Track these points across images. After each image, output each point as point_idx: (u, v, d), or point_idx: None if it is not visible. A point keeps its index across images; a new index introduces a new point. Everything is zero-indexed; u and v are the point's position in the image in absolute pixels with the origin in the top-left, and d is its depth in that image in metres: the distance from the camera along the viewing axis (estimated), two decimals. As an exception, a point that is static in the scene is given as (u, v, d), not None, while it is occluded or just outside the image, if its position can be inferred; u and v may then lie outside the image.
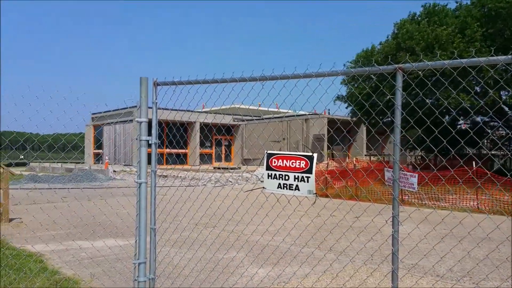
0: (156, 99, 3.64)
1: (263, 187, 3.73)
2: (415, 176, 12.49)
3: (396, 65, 2.58)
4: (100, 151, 37.31)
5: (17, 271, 5.33)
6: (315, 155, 3.59)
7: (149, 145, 3.57)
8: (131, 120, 32.87)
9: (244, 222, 6.41)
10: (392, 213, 2.70)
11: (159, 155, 30.16)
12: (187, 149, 35.39)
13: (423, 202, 13.09)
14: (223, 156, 38.27)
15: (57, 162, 32.51)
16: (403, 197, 13.73)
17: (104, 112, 34.79)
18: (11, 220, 9.57)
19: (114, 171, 27.08)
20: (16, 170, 26.96)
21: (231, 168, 28.84)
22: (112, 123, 35.19)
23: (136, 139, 3.55)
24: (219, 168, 29.25)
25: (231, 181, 22.20)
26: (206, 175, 23.54)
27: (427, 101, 16.77)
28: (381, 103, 13.05)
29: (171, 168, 26.38)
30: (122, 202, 8.67)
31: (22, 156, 36.12)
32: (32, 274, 5.19)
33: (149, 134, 3.56)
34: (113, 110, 33.76)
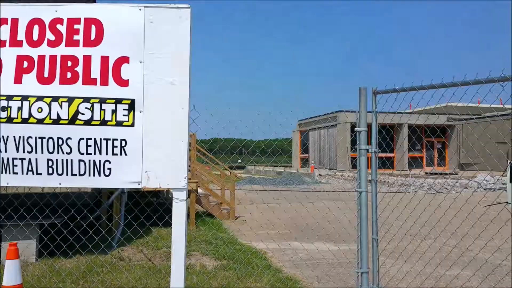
0: (376, 107, 3.72)
1: (507, 202, 3.39)
2: None
3: None
4: (306, 155, 39.52)
5: (245, 265, 6.12)
6: None
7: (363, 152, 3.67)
8: (335, 125, 33.87)
9: (471, 237, 5.85)
10: None
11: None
12: (393, 153, 34.18)
13: None
14: (435, 160, 35.48)
15: (269, 166, 35.84)
16: None
17: (309, 118, 36.78)
18: (236, 218, 11.06)
19: (320, 174, 28.26)
20: (236, 173, 31.03)
21: (446, 174, 26.45)
22: (316, 128, 36.90)
23: (355, 148, 3.70)
24: (431, 173, 27.26)
25: (446, 188, 20.42)
26: (417, 181, 22.26)
27: None
28: None
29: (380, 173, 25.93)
30: (329, 206, 9.02)
31: (240, 160, 41.03)
32: (259, 270, 5.86)
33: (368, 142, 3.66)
34: (318, 116, 35.37)
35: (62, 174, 3.15)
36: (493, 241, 6.42)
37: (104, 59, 3.13)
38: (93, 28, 3.14)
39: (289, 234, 8.94)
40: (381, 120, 5.11)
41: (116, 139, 3.16)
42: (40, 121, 3.11)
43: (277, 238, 8.30)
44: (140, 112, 3.17)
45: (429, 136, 33.52)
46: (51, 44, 3.15)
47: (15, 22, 3.19)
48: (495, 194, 14.14)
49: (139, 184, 3.23)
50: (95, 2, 7.23)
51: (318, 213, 9.71)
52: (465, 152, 32.15)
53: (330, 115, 34.00)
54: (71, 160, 3.14)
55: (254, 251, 7.13)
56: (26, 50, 3.16)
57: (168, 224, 3.79)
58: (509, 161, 3.41)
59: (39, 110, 3.11)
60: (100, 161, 3.16)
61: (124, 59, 3.15)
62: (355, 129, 3.70)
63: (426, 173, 27.56)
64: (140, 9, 3.17)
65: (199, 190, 10.43)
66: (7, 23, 3.19)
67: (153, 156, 3.21)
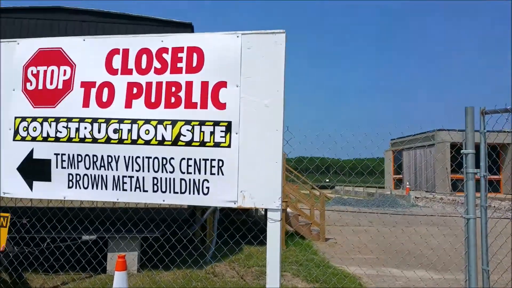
0: (484, 129, 3.44)
1: None
2: None
3: None
4: (400, 176, 37.61)
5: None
6: None
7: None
8: (433, 144, 31.84)
9: None
10: None
11: (462, 181, 27.76)
12: (500, 175, 31.11)
13: None
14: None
15: (359, 186, 34.72)
16: None
17: (403, 137, 35.06)
18: (326, 239, 10.81)
19: (416, 197, 26.65)
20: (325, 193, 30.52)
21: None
22: (412, 148, 35.03)
23: (461, 171, 3.43)
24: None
25: None
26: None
27: None
28: None
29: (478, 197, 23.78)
30: (431, 231, 8.41)
31: (327, 179, 40.31)
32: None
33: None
34: (413, 135, 33.58)
35: (165, 191, 3.37)
36: None
37: (204, 84, 3.32)
38: (195, 55, 3.36)
39: (386, 259, 8.49)
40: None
41: (214, 159, 3.30)
42: (147, 142, 3.37)
43: (373, 263, 7.95)
44: (236, 133, 3.29)
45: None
46: (158, 71, 3.43)
47: (126, 52, 3.53)
48: None
49: (234, 203, 3.32)
50: (193, 30, 7.74)
51: (419, 238, 9.13)
52: None
53: (427, 133, 32.10)
54: (174, 179, 3.34)
55: (348, 275, 6.90)
56: (135, 77, 3.47)
57: (258, 242, 3.83)
58: None
59: (146, 132, 3.38)
60: (199, 180, 3.32)
61: (222, 84, 3.31)
62: (462, 151, 3.44)
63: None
64: (237, 36, 3.32)
65: (288, 210, 10.43)
66: (119, 53, 3.54)
67: (249, 176, 3.29)
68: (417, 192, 29.49)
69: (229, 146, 3.30)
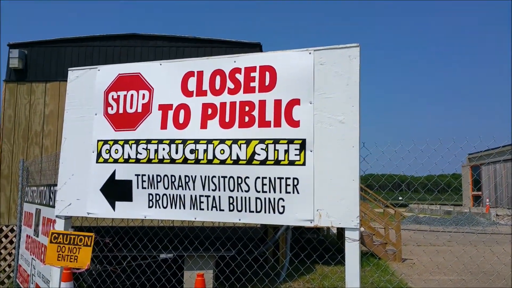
0: None
1: None
2: None
3: None
4: (479, 193, 35.04)
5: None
6: None
7: None
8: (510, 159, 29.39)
9: None
10: None
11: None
12: None
13: None
14: None
15: (435, 204, 32.85)
16: None
17: (483, 151, 32.76)
18: (403, 260, 10.25)
19: (498, 215, 24.67)
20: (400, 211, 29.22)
21: None
22: (492, 162, 32.59)
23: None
24: None
25: None
26: None
27: None
28: None
29: None
30: (509, 250, 7.69)
31: (401, 198, 38.63)
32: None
33: None
34: (493, 149, 31.28)
35: (241, 210, 3.37)
36: None
37: (277, 103, 3.32)
38: (267, 74, 3.37)
39: (464, 282, 7.90)
40: None
41: (289, 178, 3.26)
42: (222, 162, 3.42)
43: (451, 285, 7.44)
44: (311, 151, 3.23)
45: None
46: (231, 92, 3.48)
47: (200, 74, 3.64)
48: None
49: (311, 222, 3.24)
50: (261, 50, 7.87)
51: (497, 259, 8.40)
52: None
53: (509, 146, 29.74)
54: (249, 198, 3.34)
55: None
56: (210, 98, 3.56)
57: (330, 263, 3.69)
58: None
59: (221, 152, 3.43)
60: (274, 198, 3.29)
61: (295, 101, 3.29)
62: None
63: None
64: (310, 53, 3.29)
65: (362, 229, 10.07)
66: (193, 76, 3.65)
67: (325, 195, 3.20)
68: (498, 210, 27.29)
69: (303, 164, 3.24)
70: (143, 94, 3.81)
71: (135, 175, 3.72)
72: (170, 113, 3.66)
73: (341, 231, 9.91)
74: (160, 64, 3.84)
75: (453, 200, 35.41)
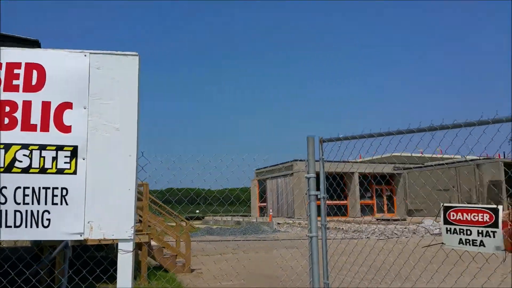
0: (322, 155, 3.81)
1: (442, 243, 3.48)
2: None
3: None
4: (264, 204, 39.40)
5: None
6: (501, 207, 3.24)
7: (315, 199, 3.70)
8: (292, 174, 34.26)
9: (412, 279, 5.96)
10: None
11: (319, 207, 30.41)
12: (346, 200, 34.85)
13: None
14: (385, 207, 36.48)
15: (227, 216, 35.36)
16: None
17: (266, 167, 37.06)
18: (192, 270, 10.64)
19: (278, 223, 28.14)
20: (194, 224, 30.31)
21: (395, 220, 27.19)
22: (274, 177, 37.13)
23: (306, 194, 3.72)
24: (382, 219, 27.92)
25: (396, 234, 20.87)
26: (369, 227, 22.65)
27: None
28: None
29: (332, 220, 26.23)
30: (285, 254, 8.95)
31: (198, 211, 40.27)
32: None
33: (318, 188, 3.70)
34: (274, 165, 35.73)
35: (-6, 226, 2.92)
36: (444, 283, 6.52)
37: (46, 105, 3.03)
38: (35, 73, 3.05)
39: (243, 284, 8.70)
40: (333, 169, 5.21)
41: (57, 188, 3.00)
42: (-28, 170, 2.91)
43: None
44: (83, 159, 3.05)
45: (379, 183, 34.72)
46: None
47: None
48: (440, 239, 14.57)
49: (81, 236, 3.04)
50: (39, 47, 7.15)
51: (273, 261, 9.57)
52: (413, 198, 33.29)
53: (286, 164, 34.52)
54: (6, 211, 2.93)
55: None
56: None
57: (114, 278, 3.56)
58: (442, 204, 3.55)
59: (-28, 158, 2.92)
60: (38, 211, 2.97)
61: (67, 105, 3.06)
62: (305, 175, 3.75)
63: (377, 219, 28.21)
64: (85, 55, 3.13)
65: (153, 243, 10.02)
66: None
67: (97, 206, 3.06)
68: (279, 219, 31.21)
69: (74, 173, 3.03)
70: None
71: None
72: None
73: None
74: None
75: (242, 211, 38.78)
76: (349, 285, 6.97)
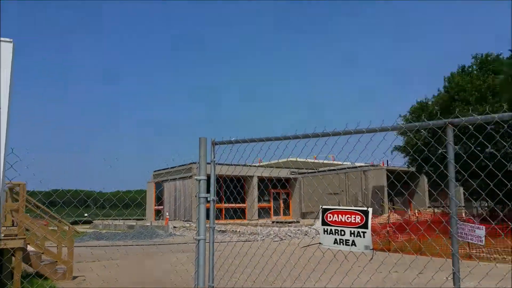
0: (214, 157, 3.84)
1: (320, 243, 3.73)
2: (482, 228, 11.62)
3: (446, 120, 2.59)
4: (161, 207, 38.44)
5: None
6: (370, 209, 3.57)
7: (208, 202, 3.73)
8: (191, 177, 33.95)
9: (301, 279, 6.30)
10: (453, 270, 2.60)
11: (218, 210, 30.62)
12: (244, 203, 35.58)
13: (493, 256, 12.10)
14: (281, 210, 38.03)
15: (119, 219, 33.78)
16: (471, 251, 12.74)
17: (165, 169, 36.26)
18: (74, 277, 9.96)
19: (174, 227, 27.64)
20: (81, 228, 28.34)
21: (289, 222, 28.53)
22: (172, 179, 36.46)
23: (196, 196, 3.72)
24: (277, 222, 29.06)
25: (289, 235, 21.88)
26: (265, 230, 23.41)
27: (489, 150, 15.98)
28: (436, 155, 12.64)
29: (229, 223, 26.57)
30: (181, 259, 8.83)
31: (87, 214, 37.94)
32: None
33: (208, 191, 3.72)
34: (173, 167, 35.11)
35: None
36: (320, 282, 7.01)
37: None
38: None
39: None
40: (231, 172, 5.28)
41: None
42: None
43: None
44: None
45: (275, 187, 36.20)
46: None
47: None
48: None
49: None
50: None
51: (170, 267, 9.39)
52: (307, 201, 35.38)
53: (185, 166, 34.12)
54: None
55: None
56: None
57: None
58: (321, 207, 3.83)
59: None
60: None
61: None
62: (195, 178, 3.75)
63: (272, 222, 29.38)
64: None
65: (30, 248, 9.16)
66: None
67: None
68: (176, 222, 30.67)
69: None
70: None
71: None
72: None
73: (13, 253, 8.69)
74: None
75: (137, 214, 37.42)
76: (234, 285, 7.12)
